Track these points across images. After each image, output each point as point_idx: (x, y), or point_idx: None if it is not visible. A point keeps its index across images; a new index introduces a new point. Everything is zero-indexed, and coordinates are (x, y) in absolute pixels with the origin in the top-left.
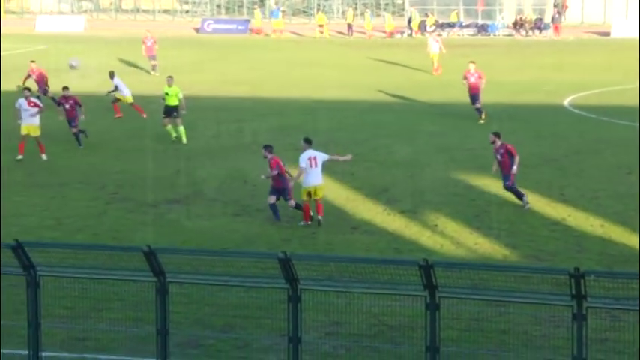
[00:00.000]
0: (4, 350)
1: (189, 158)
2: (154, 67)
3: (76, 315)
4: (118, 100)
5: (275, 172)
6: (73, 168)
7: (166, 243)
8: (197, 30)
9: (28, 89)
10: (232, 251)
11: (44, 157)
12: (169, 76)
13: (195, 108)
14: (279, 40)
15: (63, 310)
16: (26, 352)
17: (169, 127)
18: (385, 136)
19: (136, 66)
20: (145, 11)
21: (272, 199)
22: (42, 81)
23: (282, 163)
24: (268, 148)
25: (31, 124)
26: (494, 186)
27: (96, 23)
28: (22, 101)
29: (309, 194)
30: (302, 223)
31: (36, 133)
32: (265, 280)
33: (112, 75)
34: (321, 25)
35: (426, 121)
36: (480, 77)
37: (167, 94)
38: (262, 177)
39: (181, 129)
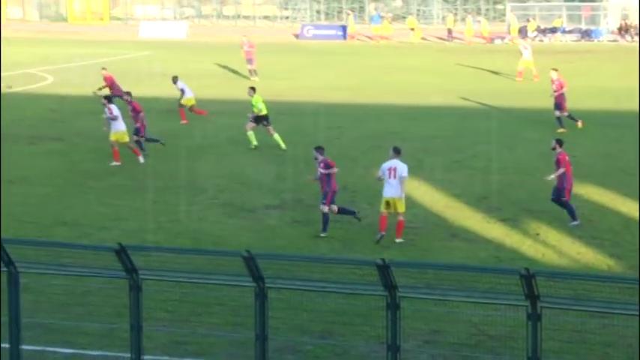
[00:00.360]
0: (108, 353)
1: (288, 164)
2: (252, 72)
3: (176, 319)
4: (182, 105)
5: (323, 172)
6: (175, 172)
7: (265, 248)
8: (296, 36)
9: (108, 98)
10: (330, 258)
11: (141, 159)
12: (250, 87)
13: (294, 113)
14: (378, 46)
15: (164, 314)
16: (129, 355)
17: (250, 132)
18: (485, 143)
19: (235, 72)
20: (245, 17)
21: (325, 208)
22: (114, 87)
23: (329, 167)
24: (319, 149)
25: (116, 130)
26: (596, 194)
27: (198, 29)
28: (106, 110)
29: (387, 205)
30: (378, 236)
31: (124, 139)
32: (363, 287)
33: (175, 80)
34: (412, 29)
35: (526, 127)
36: (561, 86)
37: (252, 105)
38: (311, 178)
39: (276, 136)
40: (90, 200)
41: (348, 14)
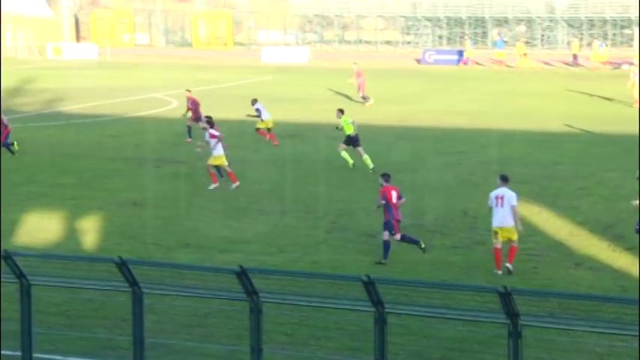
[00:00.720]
0: None
1: (409, 189)
2: (365, 98)
3: (295, 342)
4: (260, 127)
5: (382, 202)
6: (296, 196)
7: (384, 273)
8: (418, 60)
9: (209, 121)
10: (450, 284)
11: (235, 184)
12: (339, 109)
13: (415, 138)
14: (500, 71)
15: (283, 337)
16: None
17: (344, 153)
18: (611, 170)
19: (352, 97)
20: (367, 42)
21: (386, 235)
22: (196, 109)
23: (394, 195)
24: (385, 176)
25: (215, 154)
26: None
27: (319, 54)
28: (206, 133)
29: (497, 235)
30: (496, 272)
31: (222, 162)
32: (484, 314)
33: (253, 102)
34: (523, 55)
35: None
36: None
37: (344, 126)
38: (375, 206)
39: (365, 157)
40: (212, 223)
41: (465, 39)
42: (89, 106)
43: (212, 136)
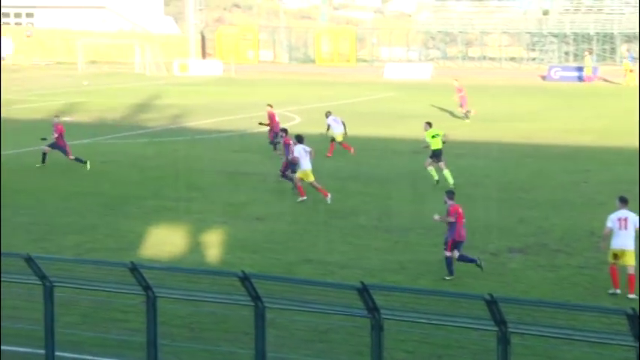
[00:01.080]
0: None
1: (532, 207)
2: (466, 114)
3: None
4: (333, 139)
5: (452, 219)
6: (418, 213)
7: (507, 292)
8: (543, 77)
9: (299, 136)
10: (575, 304)
11: (329, 199)
12: (426, 122)
13: (539, 156)
14: (627, 87)
15: (404, 354)
16: None
17: (430, 168)
18: None
19: (453, 114)
20: (491, 59)
21: (448, 253)
22: (274, 123)
23: (460, 212)
24: (450, 194)
25: (303, 169)
26: None
27: (442, 71)
28: (296, 147)
29: (615, 256)
30: (610, 291)
31: (308, 178)
32: (611, 336)
33: (327, 115)
34: (630, 71)
35: None
36: None
37: (429, 140)
38: (435, 218)
39: (446, 172)
40: (333, 239)
41: (585, 55)
42: (214, 122)
43: (292, 151)
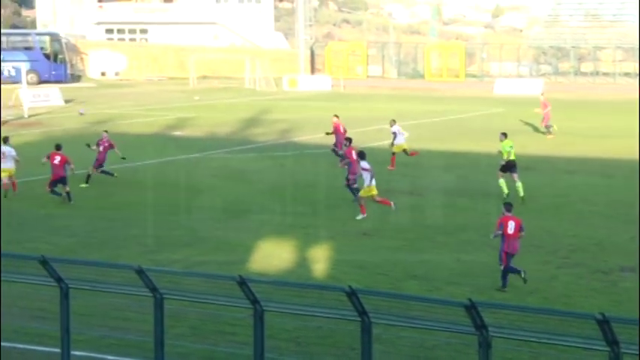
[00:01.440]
0: None
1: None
2: (547, 128)
3: None
4: (395, 151)
5: (499, 233)
6: (526, 230)
7: (618, 312)
8: None
9: (361, 153)
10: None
11: (393, 206)
12: (502, 133)
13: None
14: None
15: None
16: None
17: (501, 180)
18: None
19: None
20: (605, 74)
21: (502, 265)
22: (338, 134)
23: (510, 226)
24: (507, 205)
25: (367, 185)
26: None
27: (554, 86)
28: (362, 163)
29: None
30: None
31: (372, 194)
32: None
33: (391, 123)
34: None
35: None
36: None
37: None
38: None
39: (518, 184)
40: (441, 255)
41: None
42: (322, 137)
43: (363, 168)
